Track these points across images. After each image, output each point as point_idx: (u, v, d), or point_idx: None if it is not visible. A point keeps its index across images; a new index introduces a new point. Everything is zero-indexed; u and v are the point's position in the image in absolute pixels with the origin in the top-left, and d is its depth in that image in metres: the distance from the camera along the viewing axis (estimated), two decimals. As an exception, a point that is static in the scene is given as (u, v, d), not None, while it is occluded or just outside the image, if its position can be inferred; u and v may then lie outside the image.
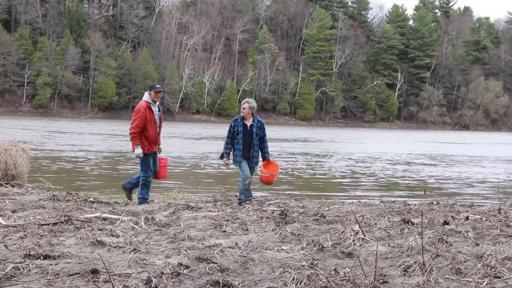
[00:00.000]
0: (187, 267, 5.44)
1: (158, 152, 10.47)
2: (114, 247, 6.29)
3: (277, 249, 6.44)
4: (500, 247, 6.35)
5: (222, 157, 10.67)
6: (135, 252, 6.07)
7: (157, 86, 10.26)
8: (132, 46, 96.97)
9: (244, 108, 10.53)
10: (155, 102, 10.20)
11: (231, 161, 10.69)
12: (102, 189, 14.43)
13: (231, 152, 10.60)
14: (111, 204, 9.89)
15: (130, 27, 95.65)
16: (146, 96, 10.19)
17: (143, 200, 10.17)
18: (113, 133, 42.84)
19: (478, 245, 6.60)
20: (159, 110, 10.31)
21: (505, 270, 5.29)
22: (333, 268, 5.45)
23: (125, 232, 7.20)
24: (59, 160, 22.04)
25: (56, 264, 5.52)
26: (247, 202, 10.20)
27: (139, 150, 9.94)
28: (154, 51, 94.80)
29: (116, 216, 8.25)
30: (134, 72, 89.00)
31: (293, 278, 5.01)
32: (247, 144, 10.46)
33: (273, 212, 9.19)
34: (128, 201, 10.49)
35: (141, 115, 9.93)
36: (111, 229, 7.24)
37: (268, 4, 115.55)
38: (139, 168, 10.42)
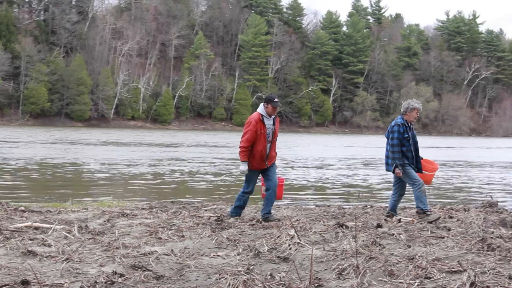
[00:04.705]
0: (121, 275, 5.36)
1: (274, 166, 9.40)
2: (46, 257, 6.15)
3: (213, 255, 6.44)
4: (430, 249, 6.54)
5: (394, 168, 9.27)
6: (68, 262, 5.95)
7: (276, 100, 9.14)
8: (65, 51, 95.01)
9: (418, 112, 9.43)
10: (270, 116, 9.22)
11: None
12: (33, 198, 14.07)
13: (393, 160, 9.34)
14: (43, 213, 9.66)
15: (63, 32, 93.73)
16: (260, 108, 9.22)
17: (234, 213, 9.56)
18: (46, 140, 41.88)
19: (409, 247, 6.77)
20: (273, 124, 9.27)
21: (435, 271, 5.43)
22: (269, 273, 5.48)
23: (57, 241, 7.06)
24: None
25: (-15, 276, 5.35)
26: (428, 212, 9.13)
27: (244, 167, 9.14)
28: (87, 57, 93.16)
29: (48, 225, 8.07)
30: (67, 78, 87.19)
31: (229, 284, 5.01)
32: (415, 149, 9.43)
33: (209, 218, 9.19)
34: (235, 217, 9.47)
35: (252, 128, 9.03)
36: (43, 239, 7.07)
37: (203, 9, 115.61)
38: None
